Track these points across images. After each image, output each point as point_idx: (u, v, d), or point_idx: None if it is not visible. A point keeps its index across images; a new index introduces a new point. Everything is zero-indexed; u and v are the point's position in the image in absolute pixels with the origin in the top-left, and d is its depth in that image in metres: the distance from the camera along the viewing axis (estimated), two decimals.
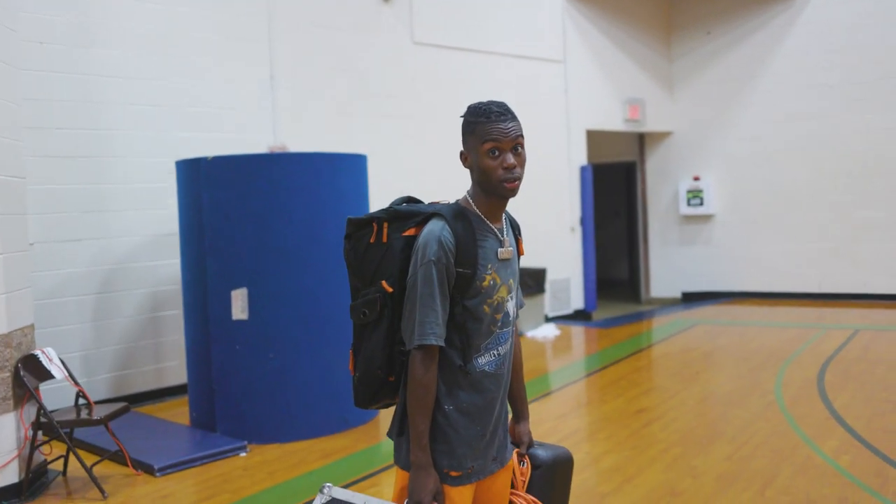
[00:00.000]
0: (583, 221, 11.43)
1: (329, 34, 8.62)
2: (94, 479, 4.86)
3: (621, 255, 14.76)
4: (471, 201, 2.26)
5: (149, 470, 5.22)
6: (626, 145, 13.25)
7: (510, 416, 2.49)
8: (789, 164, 11.73)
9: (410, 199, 2.34)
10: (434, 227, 2.18)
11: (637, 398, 6.70)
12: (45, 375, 5.03)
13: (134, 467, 5.25)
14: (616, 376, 7.59)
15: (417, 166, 9.15)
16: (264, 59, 8.06)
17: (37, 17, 6.61)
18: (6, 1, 4.99)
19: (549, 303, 10.90)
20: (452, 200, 2.31)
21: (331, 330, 5.83)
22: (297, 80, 8.33)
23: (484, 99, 2.29)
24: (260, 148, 7.78)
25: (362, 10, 8.98)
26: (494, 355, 2.27)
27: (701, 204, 12.34)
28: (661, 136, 12.85)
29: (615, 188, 14.48)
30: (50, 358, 5.08)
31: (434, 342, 2.14)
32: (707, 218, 12.48)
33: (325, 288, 5.82)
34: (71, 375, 5.28)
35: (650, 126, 12.44)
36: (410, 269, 2.19)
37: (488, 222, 2.25)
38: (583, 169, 11.39)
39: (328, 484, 2.25)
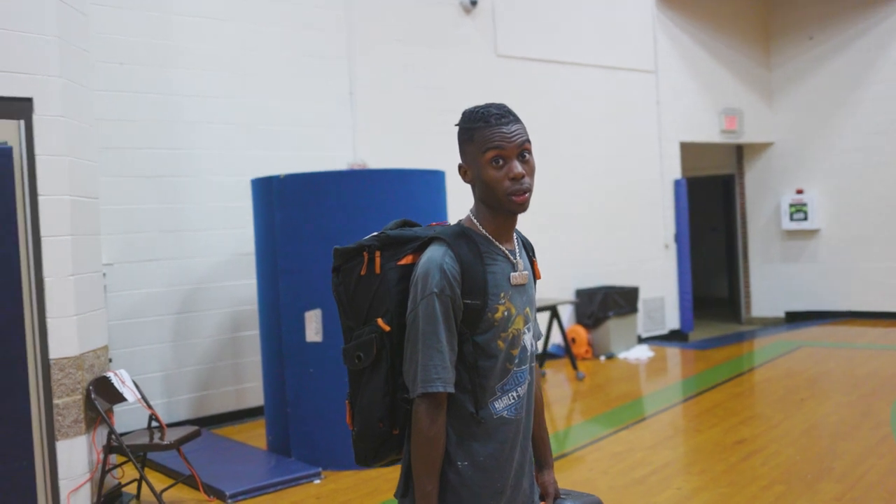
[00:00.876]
0: (677, 238, 10.97)
1: (409, 49, 8.48)
2: None
3: (720, 272, 14.15)
4: (475, 221, 1.95)
5: (221, 496, 5.10)
6: (723, 157, 12.72)
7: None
8: None
9: (406, 223, 2.04)
10: (434, 253, 1.88)
11: (735, 428, 6.24)
12: (118, 398, 4.97)
13: (206, 493, 5.14)
14: (713, 403, 7.13)
15: None
16: (343, 75, 7.96)
17: (116, 39, 6.65)
18: (79, 23, 4.99)
19: (643, 323, 10.46)
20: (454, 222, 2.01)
21: None
22: (377, 97, 8.20)
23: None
24: (340, 165, 7.69)
25: (443, 24, 8.80)
26: (513, 398, 1.96)
27: (805, 218, 11.69)
28: (761, 148, 12.25)
29: (712, 202, 13.95)
30: (122, 380, 5.02)
31: (441, 389, 1.84)
32: (812, 233, 11.81)
33: None
34: (144, 398, 5.21)
35: (748, 137, 11.87)
36: (409, 303, 1.89)
37: (497, 243, 1.95)
38: (677, 183, 10.94)
39: None
